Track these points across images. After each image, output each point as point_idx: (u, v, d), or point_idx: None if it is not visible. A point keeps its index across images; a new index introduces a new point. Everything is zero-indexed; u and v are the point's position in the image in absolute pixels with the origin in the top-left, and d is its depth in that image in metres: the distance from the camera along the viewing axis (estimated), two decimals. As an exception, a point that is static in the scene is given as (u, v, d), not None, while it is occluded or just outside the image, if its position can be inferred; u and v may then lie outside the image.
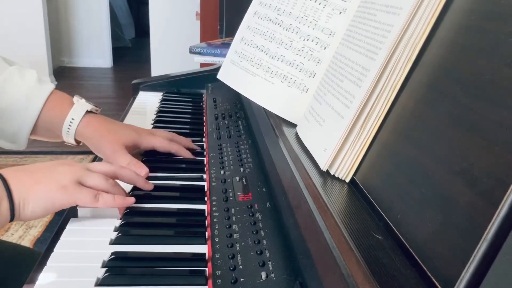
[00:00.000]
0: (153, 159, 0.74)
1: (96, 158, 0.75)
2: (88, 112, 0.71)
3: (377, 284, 0.30)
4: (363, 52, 0.48)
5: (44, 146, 2.55)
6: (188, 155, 0.76)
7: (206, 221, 0.57)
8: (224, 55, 0.82)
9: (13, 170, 0.54)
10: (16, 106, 0.69)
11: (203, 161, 0.76)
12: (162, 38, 3.88)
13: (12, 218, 0.51)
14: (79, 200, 0.53)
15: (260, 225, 0.54)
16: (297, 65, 0.66)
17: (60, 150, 2.55)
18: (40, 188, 0.52)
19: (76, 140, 0.72)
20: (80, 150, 2.62)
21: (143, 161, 0.71)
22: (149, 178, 0.68)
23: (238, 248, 0.50)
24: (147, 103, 1.07)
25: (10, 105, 0.69)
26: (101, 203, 0.54)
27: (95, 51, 4.81)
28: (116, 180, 0.60)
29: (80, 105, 0.72)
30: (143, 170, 0.68)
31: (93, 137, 0.71)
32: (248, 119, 0.86)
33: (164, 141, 0.75)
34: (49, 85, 0.73)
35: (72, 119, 0.70)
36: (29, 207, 0.51)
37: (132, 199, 0.57)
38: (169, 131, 0.81)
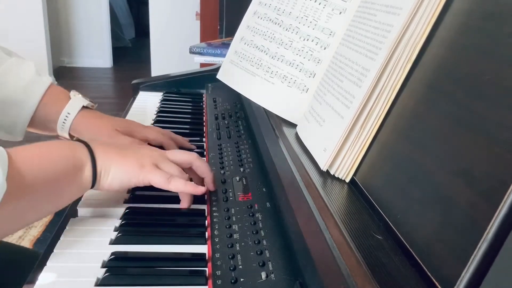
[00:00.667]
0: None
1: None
2: (84, 107, 0.73)
3: (377, 284, 0.30)
4: (363, 52, 0.48)
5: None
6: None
7: (206, 221, 0.57)
8: (224, 55, 0.82)
9: (100, 142, 0.58)
10: (14, 98, 0.70)
11: (203, 161, 0.76)
12: (162, 38, 3.89)
13: (93, 185, 0.54)
14: (153, 180, 0.56)
15: (260, 225, 0.54)
16: (297, 65, 0.66)
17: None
18: (122, 161, 0.56)
19: (70, 135, 0.73)
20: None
21: None
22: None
23: (238, 248, 0.50)
24: (147, 103, 1.07)
25: (9, 98, 0.70)
26: (172, 185, 0.56)
27: (95, 51, 4.81)
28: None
29: (76, 100, 0.73)
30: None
31: (87, 131, 0.72)
32: (248, 119, 0.86)
33: (158, 135, 0.76)
34: (47, 78, 0.74)
35: (68, 113, 0.71)
36: (108, 177, 0.55)
37: (203, 189, 0.58)
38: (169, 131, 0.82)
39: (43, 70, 3.87)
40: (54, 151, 0.53)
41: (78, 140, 0.57)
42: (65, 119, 0.71)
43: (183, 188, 0.57)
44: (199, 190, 0.58)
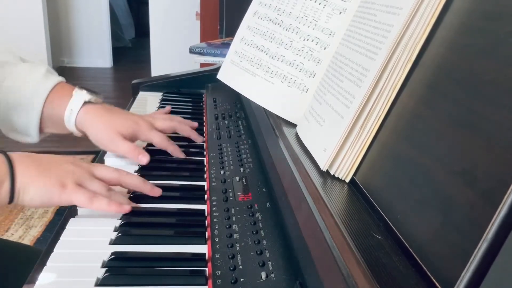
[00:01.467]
0: (152, 158, 0.74)
1: (96, 158, 0.75)
2: (87, 102, 0.72)
3: (377, 284, 0.30)
4: (363, 52, 0.48)
5: (44, 146, 2.55)
6: (181, 155, 0.76)
7: (206, 221, 0.57)
8: (224, 55, 0.82)
9: (23, 156, 0.55)
10: (23, 101, 0.71)
11: (203, 161, 0.76)
12: (162, 38, 3.88)
13: (10, 201, 0.52)
14: (75, 200, 0.54)
15: (260, 225, 0.54)
16: (297, 65, 0.66)
17: (60, 150, 2.54)
18: (42, 180, 0.54)
19: (80, 131, 0.73)
20: (80, 150, 2.61)
21: (141, 168, 0.71)
22: (148, 178, 0.68)
23: (238, 248, 0.50)
24: (147, 103, 1.07)
25: (19, 100, 0.71)
26: (95, 206, 0.54)
27: (95, 51, 4.80)
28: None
29: (78, 95, 0.72)
30: (144, 157, 0.70)
31: (91, 128, 0.71)
32: (248, 119, 0.86)
33: (163, 140, 0.74)
34: (54, 78, 0.73)
35: (71, 110, 0.71)
36: (29, 195, 0.53)
37: (128, 207, 0.56)
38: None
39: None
40: None
41: (1, 152, 0.54)
42: (69, 116, 0.71)
43: (107, 208, 0.55)
44: (123, 209, 0.56)
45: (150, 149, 0.78)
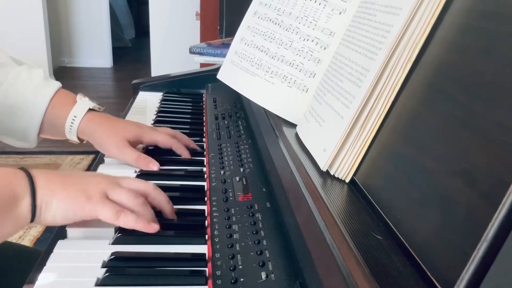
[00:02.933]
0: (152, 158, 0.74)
1: (97, 158, 0.74)
2: (90, 110, 0.72)
3: (377, 284, 0.30)
4: (363, 52, 0.48)
5: (44, 146, 2.55)
6: (187, 155, 0.75)
7: (206, 221, 0.57)
8: (224, 55, 0.82)
9: (44, 172, 0.52)
10: (24, 105, 0.70)
11: (203, 161, 0.76)
12: (162, 38, 3.88)
13: (32, 219, 0.49)
14: (100, 213, 0.51)
15: (260, 225, 0.54)
16: (297, 65, 0.66)
17: (59, 150, 2.55)
18: (65, 194, 0.51)
19: (79, 138, 0.72)
20: (80, 150, 2.61)
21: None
22: (149, 178, 0.68)
23: (238, 248, 0.50)
24: (147, 103, 1.07)
25: (18, 104, 0.70)
26: (121, 221, 0.50)
27: (95, 51, 4.81)
28: None
29: (83, 103, 0.72)
30: (155, 165, 0.70)
31: (96, 135, 0.71)
32: (248, 119, 0.86)
33: (167, 138, 0.75)
34: (55, 83, 0.73)
35: (74, 116, 0.70)
36: (51, 211, 0.50)
37: (156, 227, 0.52)
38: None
39: (43, 70, 3.87)
40: None
41: (21, 168, 0.52)
42: (72, 123, 0.70)
43: (133, 224, 0.51)
44: (152, 228, 0.51)
45: (150, 149, 0.78)
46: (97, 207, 0.50)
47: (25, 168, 0.52)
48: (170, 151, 0.76)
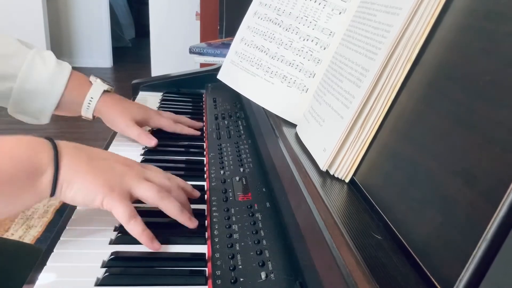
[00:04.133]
0: (153, 158, 0.74)
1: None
2: (105, 92, 0.81)
3: (377, 284, 0.30)
4: (362, 52, 0.48)
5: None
6: (192, 132, 0.86)
7: (206, 221, 0.57)
8: (224, 55, 0.82)
9: (71, 146, 0.52)
10: (41, 88, 0.77)
11: (203, 161, 0.76)
12: (162, 38, 3.89)
13: (52, 194, 0.49)
14: (115, 210, 0.50)
15: (260, 225, 0.54)
16: (297, 65, 0.66)
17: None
18: (89, 179, 0.50)
19: (93, 116, 0.81)
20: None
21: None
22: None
23: (238, 248, 0.50)
24: (147, 103, 1.07)
25: (35, 88, 0.76)
26: (129, 228, 0.50)
27: (95, 51, 4.81)
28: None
29: (98, 85, 0.81)
30: (152, 140, 0.78)
31: (109, 113, 0.80)
32: (248, 119, 0.86)
33: (171, 123, 0.84)
34: (67, 67, 0.80)
35: (91, 98, 0.79)
36: (71, 191, 0.50)
37: (158, 247, 0.51)
38: (167, 132, 0.86)
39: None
40: (10, 149, 0.48)
41: (48, 138, 0.51)
42: (89, 103, 0.79)
43: (138, 237, 0.50)
44: (153, 246, 0.51)
45: (150, 149, 0.78)
46: (114, 202, 0.50)
47: (52, 139, 0.51)
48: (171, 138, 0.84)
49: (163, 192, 0.53)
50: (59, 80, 0.78)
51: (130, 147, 0.79)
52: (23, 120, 0.81)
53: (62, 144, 0.51)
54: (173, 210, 0.53)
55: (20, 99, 0.76)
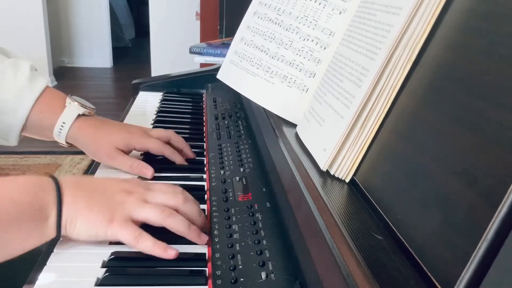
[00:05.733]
0: (153, 159, 0.74)
1: (95, 160, 0.74)
2: (80, 115, 0.70)
3: (377, 284, 0.30)
4: (363, 52, 0.48)
5: (44, 146, 2.55)
6: (181, 161, 0.74)
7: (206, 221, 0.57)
8: (224, 55, 0.82)
9: (72, 182, 0.52)
10: (6, 105, 0.68)
11: (203, 161, 0.76)
12: (162, 38, 3.88)
13: (58, 235, 0.49)
14: (121, 238, 0.50)
15: (260, 225, 0.54)
16: (297, 65, 0.66)
17: (60, 150, 2.54)
18: (89, 215, 0.50)
19: (67, 142, 0.71)
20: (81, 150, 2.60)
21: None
22: (148, 178, 0.68)
23: (238, 248, 0.50)
24: (147, 103, 1.07)
25: (2, 103, 0.68)
26: (140, 246, 0.50)
27: (95, 51, 4.81)
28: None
29: (72, 107, 0.70)
30: (149, 171, 0.68)
31: (85, 142, 0.70)
32: (248, 119, 0.86)
33: (159, 144, 0.72)
34: (41, 83, 0.71)
35: (63, 123, 0.69)
36: (75, 229, 0.50)
37: (173, 253, 0.49)
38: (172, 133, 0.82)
39: (43, 70, 3.88)
40: (13, 192, 0.48)
41: (51, 176, 0.51)
42: (60, 129, 0.69)
43: (151, 251, 0.49)
44: (169, 254, 0.49)
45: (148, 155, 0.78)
46: (117, 231, 0.50)
47: (55, 177, 0.51)
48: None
49: (167, 211, 0.52)
50: (27, 99, 0.69)
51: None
52: None
53: (64, 182, 0.51)
54: (179, 227, 0.52)
55: None
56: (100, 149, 0.69)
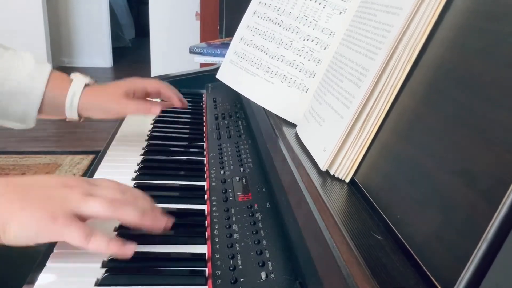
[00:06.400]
0: (153, 158, 0.74)
1: (96, 158, 0.74)
2: (86, 85, 0.75)
3: (377, 284, 0.30)
4: (363, 52, 0.48)
5: (44, 146, 2.55)
6: (178, 103, 0.83)
7: (206, 221, 0.57)
8: (224, 55, 0.82)
9: (5, 184, 0.47)
10: (22, 89, 0.72)
11: (203, 161, 0.76)
12: (162, 38, 3.88)
13: None
14: (67, 237, 0.45)
15: (260, 225, 0.54)
16: (297, 65, 0.66)
17: (60, 150, 2.55)
18: (26, 214, 0.44)
19: (79, 115, 0.75)
20: (80, 150, 2.60)
21: (141, 168, 0.71)
22: (148, 178, 0.68)
23: (238, 248, 0.50)
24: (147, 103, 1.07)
25: (16, 89, 0.72)
26: (92, 245, 0.45)
27: (95, 51, 4.81)
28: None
29: (78, 80, 0.75)
30: (156, 108, 0.74)
31: (96, 103, 0.75)
32: (248, 119, 0.86)
33: (155, 81, 0.81)
34: (47, 65, 0.76)
35: (74, 92, 0.74)
36: (11, 233, 0.44)
37: (131, 249, 0.46)
38: (167, 131, 0.86)
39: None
40: None
41: None
42: (72, 100, 0.73)
43: (105, 249, 0.45)
44: (125, 251, 0.46)
45: (152, 143, 0.78)
46: (63, 230, 0.44)
47: None
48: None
49: (116, 202, 0.47)
50: (40, 79, 0.73)
51: (130, 147, 0.79)
52: (9, 126, 0.75)
53: None
54: (132, 216, 0.47)
55: (0, 103, 0.72)
56: (108, 102, 0.75)
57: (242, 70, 0.74)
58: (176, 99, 0.83)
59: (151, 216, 0.48)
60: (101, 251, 0.46)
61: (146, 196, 0.52)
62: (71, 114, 0.74)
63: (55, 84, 0.74)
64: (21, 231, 0.44)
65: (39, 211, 0.44)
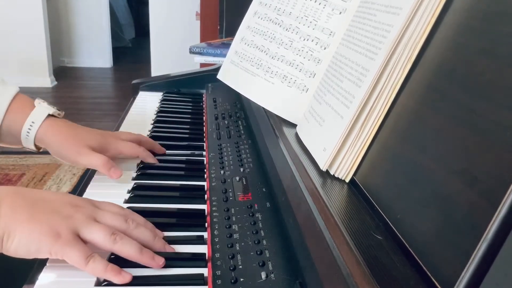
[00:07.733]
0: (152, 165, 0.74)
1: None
2: (50, 116, 0.68)
3: (377, 284, 0.30)
4: (363, 52, 0.48)
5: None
6: (154, 161, 0.73)
7: (206, 221, 0.57)
8: (224, 55, 0.82)
9: (15, 194, 0.48)
10: None
11: (203, 161, 0.76)
12: (162, 38, 3.89)
13: None
14: (67, 256, 0.45)
15: (260, 225, 0.54)
16: (297, 65, 0.66)
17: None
18: (30, 227, 0.45)
19: (36, 146, 0.68)
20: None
21: (141, 168, 0.71)
22: (148, 178, 0.68)
23: (238, 248, 0.50)
24: (147, 103, 1.07)
25: None
26: (89, 269, 0.45)
27: (95, 51, 4.81)
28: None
29: (41, 107, 0.68)
30: (115, 173, 0.65)
31: (55, 141, 0.67)
32: (248, 119, 0.86)
33: (133, 146, 0.71)
34: (12, 88, 0.69)
35: (32, 122, 0.66)
36: (13, 243, 0.45)
37: (128, 277, 0.46)
38: (167, 131, 0.84)
39: (43, 70, 3.88)
40: None
41: None
42: (29, 129, 0.66)
43: (102, 274, 0.45)
44: (122, 278, 0.45)
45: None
46: (64, 249, 0.45)
47: None
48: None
49: (116, 235, 0.48)
50: (1, 101, 0.67)
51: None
52: None
53: (2, 192, 0.47)
54: (130, 252, 0.47)
55: None
56: (69, 146, 0.66)
57: (243, 70, 0.74)
58: (153, 158, 0.73)
59: (149, 255, 0.48)
60: (98, 276, 0.46)
61: (148, 224, 0.53)
62: (27, 144, 0.67)
63: (15, 109, 0.68)
64: (23, 243, 0.45)
65: (45, 226, 0.45)
